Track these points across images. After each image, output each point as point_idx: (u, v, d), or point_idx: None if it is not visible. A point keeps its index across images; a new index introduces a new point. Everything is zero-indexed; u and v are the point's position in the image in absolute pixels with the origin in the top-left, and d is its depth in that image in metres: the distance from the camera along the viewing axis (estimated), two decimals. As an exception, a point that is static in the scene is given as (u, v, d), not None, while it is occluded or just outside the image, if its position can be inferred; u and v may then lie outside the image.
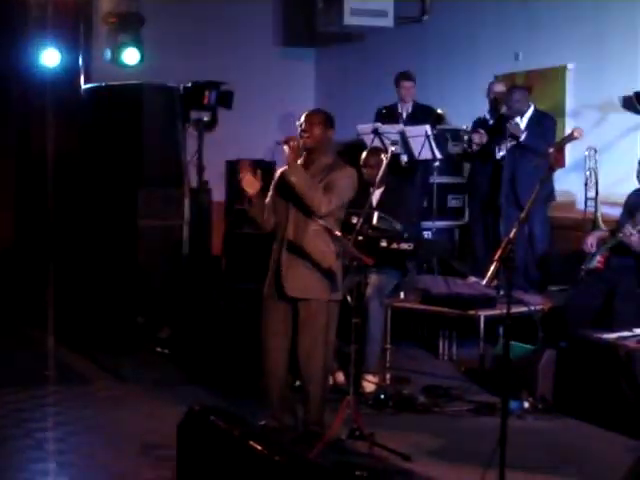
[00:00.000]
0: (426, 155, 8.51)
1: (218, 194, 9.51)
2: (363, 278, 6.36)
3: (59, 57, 9.19)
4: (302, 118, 5.26)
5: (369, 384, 6.47)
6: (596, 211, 7.97)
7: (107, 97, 8.59)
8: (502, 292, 6.99)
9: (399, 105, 9.22)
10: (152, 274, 8.16)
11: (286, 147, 5.11)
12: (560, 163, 8.33)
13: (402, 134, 8.50)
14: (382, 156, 6.71)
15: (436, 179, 8.65)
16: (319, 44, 11.54)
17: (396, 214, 6.66)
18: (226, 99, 9.03)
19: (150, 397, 6.41)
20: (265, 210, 5.30)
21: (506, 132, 7.97)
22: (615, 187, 7.76)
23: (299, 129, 5.25)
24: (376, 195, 6.74)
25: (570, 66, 8.75)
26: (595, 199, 8.01)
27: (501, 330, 7.10)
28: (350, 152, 8.18)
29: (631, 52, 8.23)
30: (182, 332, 7.67)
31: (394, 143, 7.46)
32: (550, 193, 8.21)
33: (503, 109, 8.39)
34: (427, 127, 8.45)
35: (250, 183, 5.17)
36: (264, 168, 5.43)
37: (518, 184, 8.01)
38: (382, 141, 8.41)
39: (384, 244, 6.50)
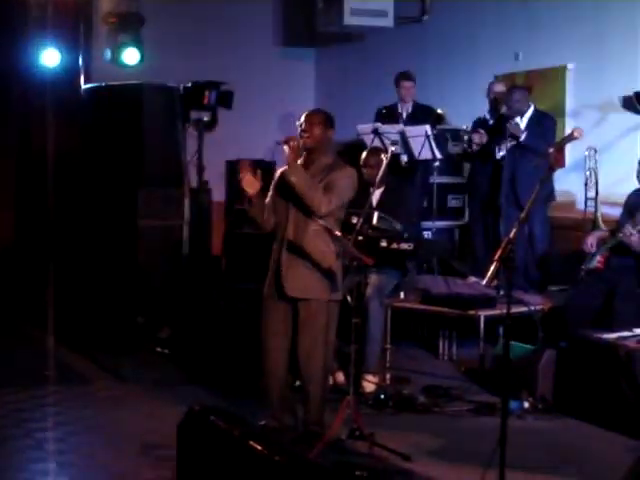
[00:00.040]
0: (426, 155, 8.51)
1: (218, 194, 9.51)
2: (363, 278, 6.35)
3: (59, 57, 9.20)
4: (302, 118, 5.26)
5: (369, 384, 6.47)
6: (596, 211, 7.97)
7: (107, 97, 8.58)
8: (502, 292, 6.99)
9: (399, 105, 9.22)
10: (152, 274, 8.16)
11: (286, 147, 5.11)
12: (560, 163, 8.33)
13: (402, 134, 8.50)
14: (382, 156, 6.71)
15: (436, 179, 8.65)
16: (319, 44, 11.54)
17: (396, 214, 6.65)
18: (226, 99, 9.03)
19: (150, 397, 6.41)
20: (265, 210, 5.29)
21: (506, 132, 7.97)
22: (615, 187, 7.76)
23: (299, 129, 5.25)
24: (376, 195, 6.74)
25: (570, 66, 8.75)
26: (595, 199, 8.01)
27: (501, 330, 7.10)
28: (350, 152, 8.18)
29: (631, 52, 8.23)
30: (182, 332, 7.67)
31: (394, 143, 7.47)
32: (550, 193, 8.20)
33: (503, 109, 8.39)
34: (427, 127, 8.44)
35: (250, 183, 5.17)
36: (264, 168, 5.43)
37: (518, 184, 8.00)
38: (382, 141, 8.41)
39: (384, 244, 6.50)
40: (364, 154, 7.02)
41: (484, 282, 4.51)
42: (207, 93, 8.79)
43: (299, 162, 5.19)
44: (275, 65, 11.38)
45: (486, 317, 6.95)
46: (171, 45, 10.17)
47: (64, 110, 9.15)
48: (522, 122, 8.15)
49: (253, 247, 8.14)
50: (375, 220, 6.51)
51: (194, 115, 8.90)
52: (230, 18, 10.93)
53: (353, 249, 5.16)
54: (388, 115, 9.08)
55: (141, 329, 7.87)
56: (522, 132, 8.03)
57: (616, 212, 7.24)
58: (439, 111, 9.02)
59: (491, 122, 8.70)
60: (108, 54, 9.67)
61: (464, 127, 8.93)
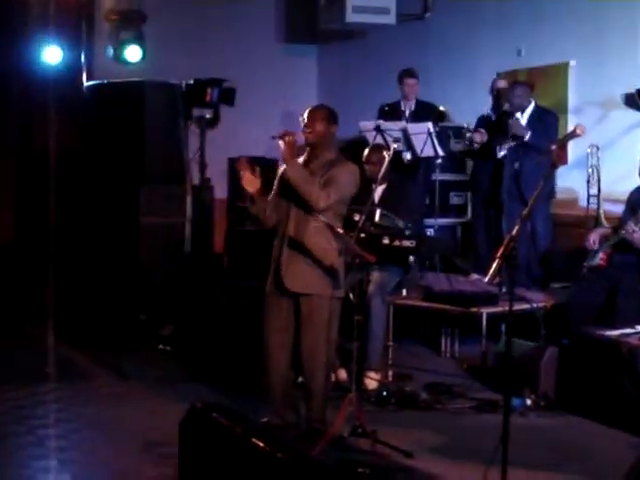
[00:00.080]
0: (428, 152, 8.50)
1: (220, 191, 9.50)
2: (365, 275, 6.34)
3: (61, 54, 9.20)
4: (305, 113, 5.25)
5: (371, 381, 6.47)
6: (598, 208, 7.97)
7: (109, 94, 8.58)
8: (504, 289, 6.98)
9: (402, 102, 9.21)
10: (154, 271, 8.16)
11: (281, 142, 5.10)
12: (562, 160, 8.30)
13: (404, 131, 8.50)
14: (384, 153, 6.68)
15: (438, 176, 8.65)
16: (321, 41, 11.54)
17: (398, 211, 6.65)
18: (228, 96, 9.01)
19: (152, 394, 6.40)
20: (268, 207, 5.29)
21: (508, 130, 7.96)
22: (617, 184, 7.75)
23: (302, 124, 5.24)
24: (378, 192, 6.73)
25: (572, 63, 8.74)
26: (597, 196, 8.00)
27: (503, 327, 7.08)
28: (352, 149, 8.17)
29: (633, 49, 8.21)
30: (184, 329, 7.67)
31: (396, 140, 7.44)
32: (551, 190, 8.20)
33: (505, 106, 8.38)
34: (429, 124, 8.44)
35: (250, 181, 5.16)
36: (266, 165, 5.43)
37: (522, 180, 7.97)
38: (384, 138, 8.40)
39: (386, 241, 6.49)
40: (366, 151, 7.01)
41: (486, 279, 4.51)
42: (209, 90, 8.78)
43: (302, 157, 5.19)
44: (277, 62, 11.37)
45: (488, 314, 6.95)
46: (173, 42, 10.17)
47: (66, 108, 9.15)
48: (523, 118, 8.13)
49: (255, 244, 8.13)
50: (377, 217, 6.51)
51: (196, 112, 8.89)
52: (232, 15, 10.93)
53: (355, 246, 5.16)
54: (391, 112, 9.07)
55: (143, 326, 7.86)
56: (525, 130, 8.01)
57: (618, 209, 7.24)
58: (441, 108, 9.03)
59: (494, 119, 8.69)
60: (110, 51, 9.66)
61: (466, 124, 8.91)
